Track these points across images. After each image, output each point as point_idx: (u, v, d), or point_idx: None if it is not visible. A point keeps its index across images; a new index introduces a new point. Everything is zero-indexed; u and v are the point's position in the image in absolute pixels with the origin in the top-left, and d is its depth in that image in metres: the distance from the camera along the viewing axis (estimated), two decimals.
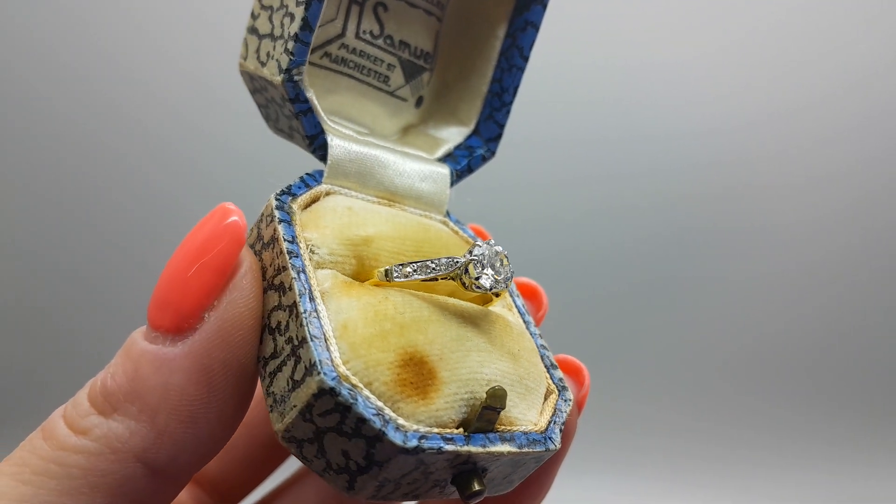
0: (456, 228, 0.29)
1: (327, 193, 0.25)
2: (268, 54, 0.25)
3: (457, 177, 0.30)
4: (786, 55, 0.74)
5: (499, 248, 0.23)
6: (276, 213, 0.23)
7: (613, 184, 0.74)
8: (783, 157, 0.76)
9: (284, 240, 0.22)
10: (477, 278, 0.22)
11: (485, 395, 0.21)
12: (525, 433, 0.22)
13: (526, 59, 0.30)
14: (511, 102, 0.31)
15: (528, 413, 0.23)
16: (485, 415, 0.21)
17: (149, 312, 0.20)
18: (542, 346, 0.26)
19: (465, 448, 0.20)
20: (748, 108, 0.75)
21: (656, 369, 0.76)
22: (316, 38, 0.28)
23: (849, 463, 0.73)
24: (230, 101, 0.64)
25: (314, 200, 0.25)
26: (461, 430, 0.21)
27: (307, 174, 0.25)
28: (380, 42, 0.29)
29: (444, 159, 0.30)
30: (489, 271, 0.23)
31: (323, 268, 0.23)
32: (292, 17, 0.25)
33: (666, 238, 0.75)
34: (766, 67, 0.74)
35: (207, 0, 0.67)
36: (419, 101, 0.31)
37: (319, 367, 0.19)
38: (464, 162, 0.30)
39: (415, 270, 0.22)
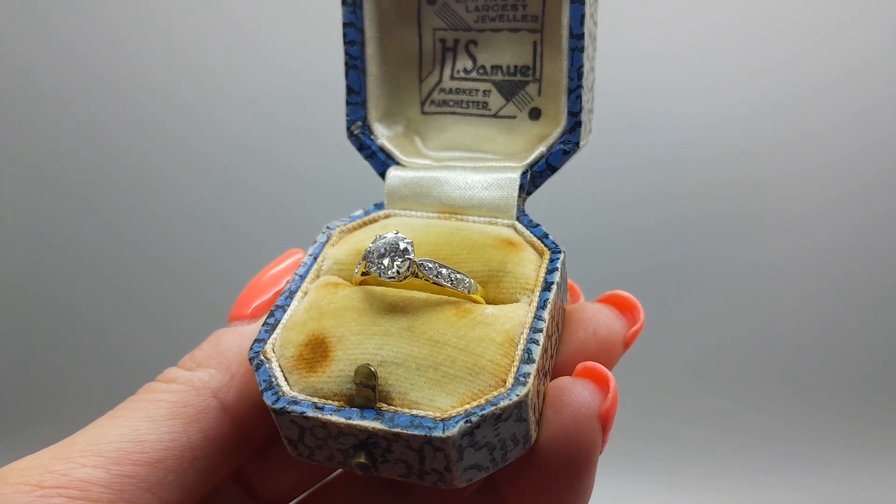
0: (522, 230, 0.29)
1: (386, 216, 0.31)
2: None
3: (537, 177, 0.30)
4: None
5: (400, 242, 0.24)
6: (319, 236, 0.30)
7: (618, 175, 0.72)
8: (792, 146, 0.72)
9: (308, 254, 0.29)
10: (368, 266, 0.25)
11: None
12: (413, 416, 0.23)
13: (578, 37, 0.28)
14: (577, 88, 0.28)
15: (436, 399, 0.23)
16: (361, 391, 0.23)
17: (232, 311, 0.30)
18: (531, 339, 0.24)
19: (328, 417, 0.23)
20: (745, 101, 0.72)
21: (657, 367, 0.74)
22: (421, 93, 0.33)
23: (851, 464, 0.72)
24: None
25: (370, 223, 0.31)
26: (340, 402, 0.24)
27: (375, 204, 0.31)
28: (473, 74, 0.32)
29: (536, 163, 0.30)
30: (377, 262, 0.24)
31: (326, 274, 0.29)
32: None
33: (667, 234, 0.74)
34: (773, 53, 0.71)
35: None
36: (534, 113, 0.32)
37: (251, 342, 0.26)
38: (542, 162, 0.30)
39: (359, 266, 0.26)
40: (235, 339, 0.27)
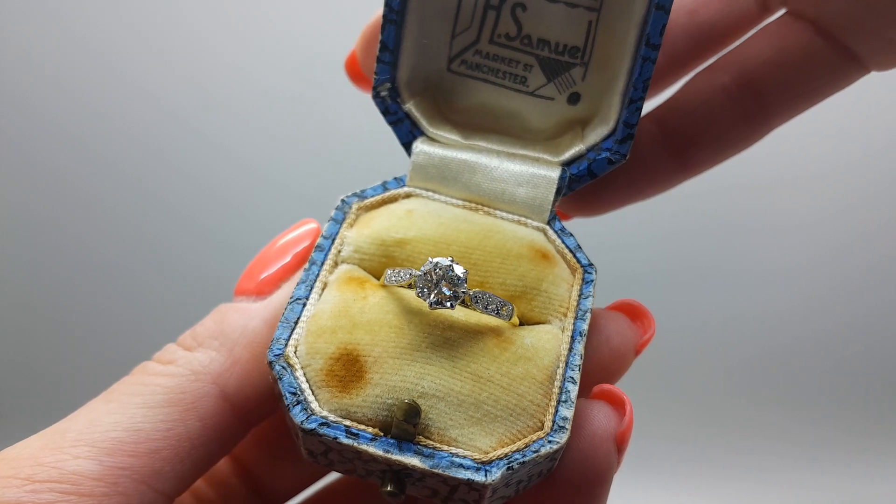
0: (553, 237, 0.28)
1: (407, 195, 0.28)
2: None
3: (575, 181, 0.28)
4: None
5: (457, 269, 0.23)
6: (333, 212, 0.28)
7: None
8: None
9: (321, 236, 0.27)
10: (418, 293, 0.23)
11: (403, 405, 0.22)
12: (453, 455, 0.22)
13: (654, 47, 0.26)
14: (639, 99, 0.27)
15: (476, 439, 0.23)
16: (399, 424, 0.23)
17: (238, 284, 0.27)
18: (569, 378, 0.24)
19: (365, 447, 0.22)
20: None
21: (658, 368, 0.71)
22: (452, 49, 0.30)
23: (852, 464, 0.73)
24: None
25: (389, 202, 0.28)
26: (375, 430, 0.23)
27: (395, 178, 0.29)
28: (516, 43, 0.29)
29: (573, 162, 0.29)
30: (429, 288, 0.23)
31: (345, 263, 0.27)
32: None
33: (670, 237, 0.73)
34: None
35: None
36: (573, 98, 0.30)
37: (271, 344, 0.24)
38: (584, 165, 0.28)
39: (397, 276, 0.25)
40: (241, 319, 0.25)
